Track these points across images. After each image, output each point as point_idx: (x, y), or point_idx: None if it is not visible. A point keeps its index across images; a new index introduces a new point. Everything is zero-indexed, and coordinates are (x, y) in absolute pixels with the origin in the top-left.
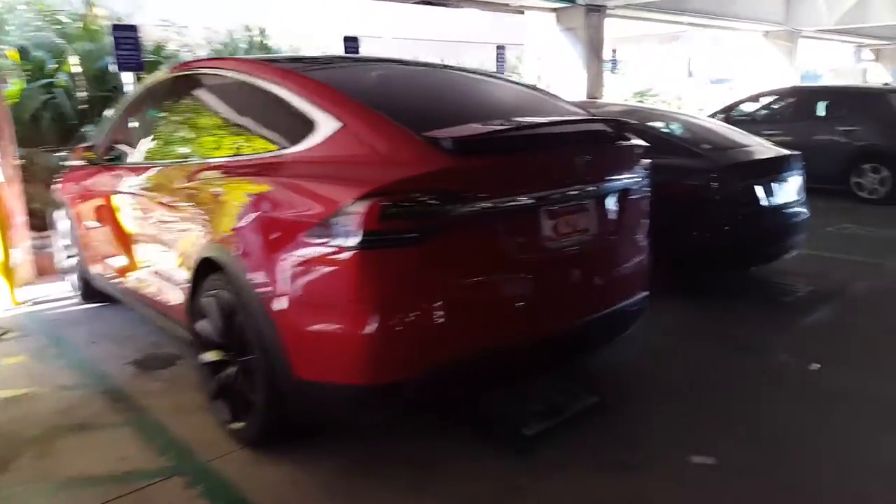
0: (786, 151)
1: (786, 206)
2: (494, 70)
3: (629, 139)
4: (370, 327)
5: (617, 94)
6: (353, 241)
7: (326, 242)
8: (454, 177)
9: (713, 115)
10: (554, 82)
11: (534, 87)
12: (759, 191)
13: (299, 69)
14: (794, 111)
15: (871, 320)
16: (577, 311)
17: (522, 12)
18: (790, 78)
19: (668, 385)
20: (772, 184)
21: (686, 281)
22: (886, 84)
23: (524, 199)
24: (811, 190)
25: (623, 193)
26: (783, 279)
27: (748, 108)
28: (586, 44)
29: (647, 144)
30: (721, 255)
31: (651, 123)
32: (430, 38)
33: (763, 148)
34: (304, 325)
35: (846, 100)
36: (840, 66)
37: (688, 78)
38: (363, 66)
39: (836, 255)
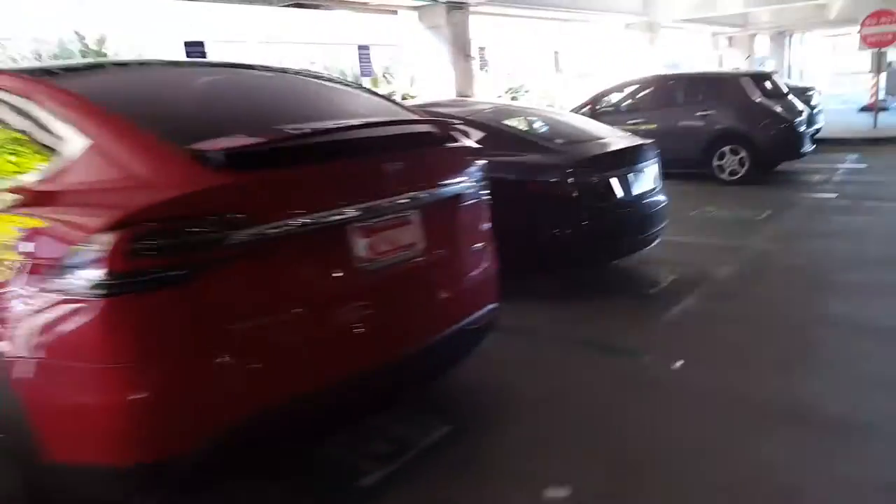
0: (640, 141)
1: (644, 195)
2: (359, 71)
3: (458, 140)
4: (124, 394)
5: (490, 92)
6: (97, 286)
7: (66, 290)
8: (227, 197)
9: (580, 109)
10: (425, 82)
11: (361, 88)
12: (616, 183)
13: (53, 78)
14: (656, 99)
15: (733, 308)
16: (410, 336)
17: (395, 12)
18: (653, 67)
19: (528, 402)
20: (628, 175)
21: (548, 281)
22: (737, 69)
23: (325, 217)
24: (678, 175)
25: (454, 200)
26: (647, 269)
27: (613, 98)
28: (451, 42)
29: (477, 146)
30: (582, 251)
31: (508, 121)
32: (301, 42)
33: (618, 139)
34: (51, 394)
35: (702, 85)
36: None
37: (556, 73)
38: (149, 73)
39: (699, 240)
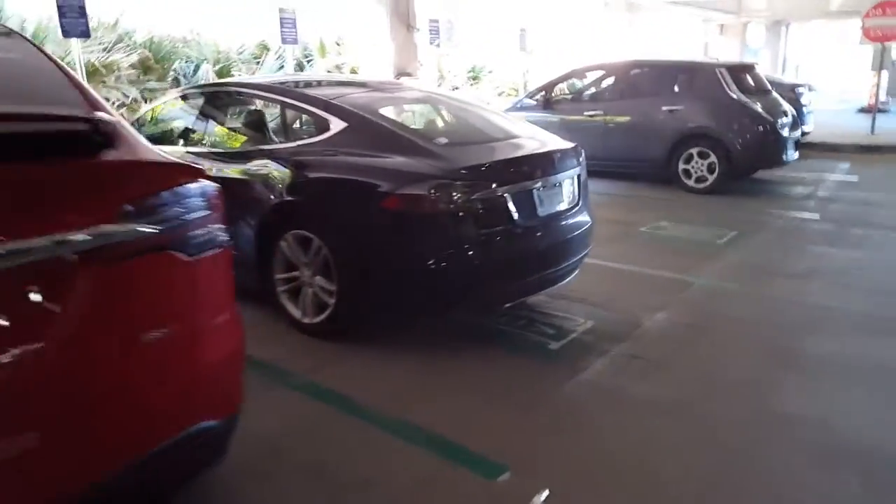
0: (556, 145)
1: (556, 217)
2: (281, 38)
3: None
4: None
5: (447, 70)
6: None
7: None
8: None
9: (533, 94)
10: (362, 55)
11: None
12: (513, 200)
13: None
14: (618, 88)
15: (655, 387)
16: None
17: None
18: (631, 51)
19: None
20: (533, 189)
21: (403, 325)
22: (715, 59)
23: None
24: (637, 178)
25: (124, 251)
26: (556, 309)
27: (572, 85)
28: (391, 11)
29: (186, 163)
30: (458, 292)
31: (383, 110)
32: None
33: (528, 141)
34: None
35: (670, 75)
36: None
37: (522, 53)
38: None
39: (638, 268)
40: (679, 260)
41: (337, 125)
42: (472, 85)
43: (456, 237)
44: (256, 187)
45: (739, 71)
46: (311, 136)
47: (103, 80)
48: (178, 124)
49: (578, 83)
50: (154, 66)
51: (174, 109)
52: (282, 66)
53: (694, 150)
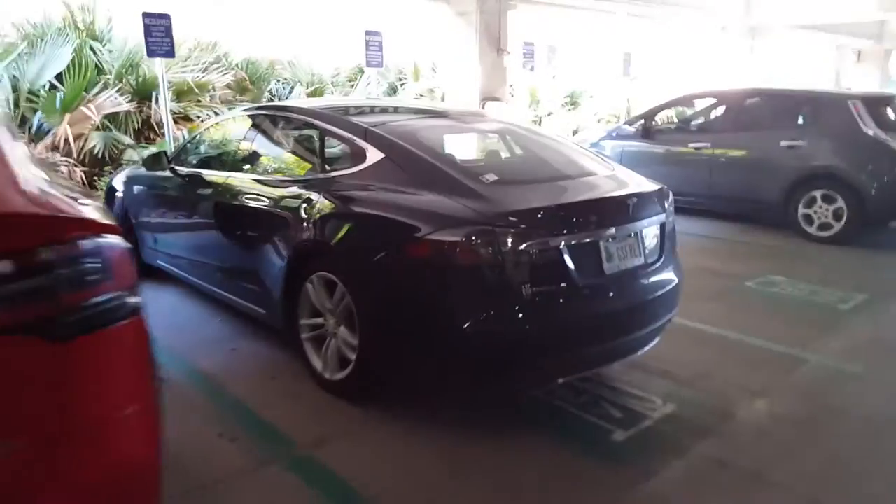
0: (638, 188)
1: (629, 275)
2: (365, 60)
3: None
4: None
5: (544, 95)
6: None
7: None
8: None
9: (633, 122)
10: (448, 79)
11: None
12: (572, 253)
13: None
14: (730, 118)
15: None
16: None
17: None
18: (751, 79)
19: None
20: (600, 241)
21: (439, 397)
22: (847, 89)
23: None
24: (749, 221)
25: None
26: (629, 384)
27: (677, 113)
28: (481, 33)
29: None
30: (498, 363)
31: (428, 140)
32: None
33: (605, 182)
34: None
35: (793, 106)
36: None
37: (625, 78)
38: None
39: (739, 335)
40: (791, 328)
41: (374, 155)
42: (569, 110)
43: (497, 295)
44: (287, 220)
45: (877, 104)
46: (346, 167)
47: (198, 100)
48: (222, 148)
49: (685, 112)
50: (249, 87)
51: (220, 133)
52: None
53: (817, 193)
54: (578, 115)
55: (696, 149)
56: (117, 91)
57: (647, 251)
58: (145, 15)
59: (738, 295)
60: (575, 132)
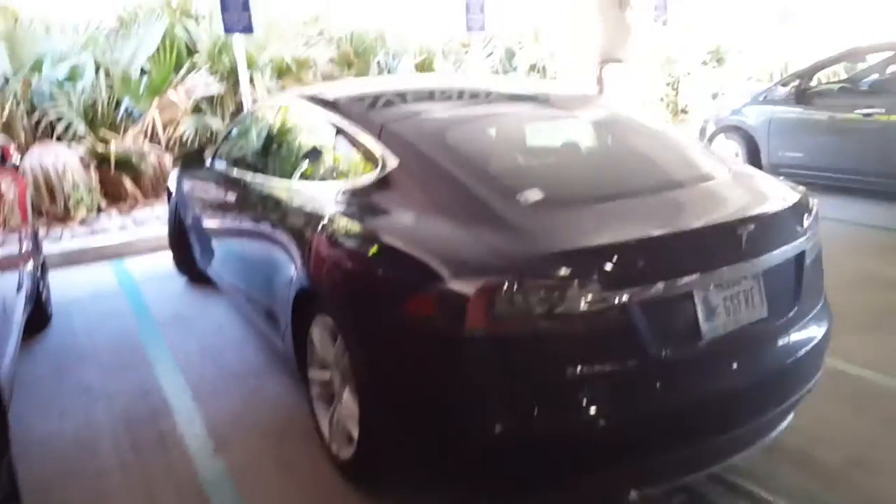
0: (762, 206)
1: (746, 336)
2: (466, 25)
3: None
4: None
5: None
6: None
7: None
8: None
9: (785, 83)
10: (560, 38)
11: None
12: (650, 313)
13: None
14: None
15: None
16: None
17: None
18: None
19: None
20: (698, 292)
21: None
22: None
23: None
24: None
25: None
26: (745, 476)
27: (844, 71)
28: None
29: None
30: (548, 476)
31: (465, 138)
32: None
33: (714, 196)
34: None
35: None
36: None
37: (781, 27)
38: None
39: None
40: None
41: (390, 162)
42: (714, 68)
43: (528, 381)
44: (291, 238)
45: None
46: (356, 177)
47: (299, 77)
48: (242, 144)
49: (855, 69)
50: (354, 60)
51: (243, 127)
52: (490, 54)
53: None
54: (724, 74)
55: (866, 115)
56: (211, 72)
57: (772, 298)
58: None
59: None
60: (714, 96)
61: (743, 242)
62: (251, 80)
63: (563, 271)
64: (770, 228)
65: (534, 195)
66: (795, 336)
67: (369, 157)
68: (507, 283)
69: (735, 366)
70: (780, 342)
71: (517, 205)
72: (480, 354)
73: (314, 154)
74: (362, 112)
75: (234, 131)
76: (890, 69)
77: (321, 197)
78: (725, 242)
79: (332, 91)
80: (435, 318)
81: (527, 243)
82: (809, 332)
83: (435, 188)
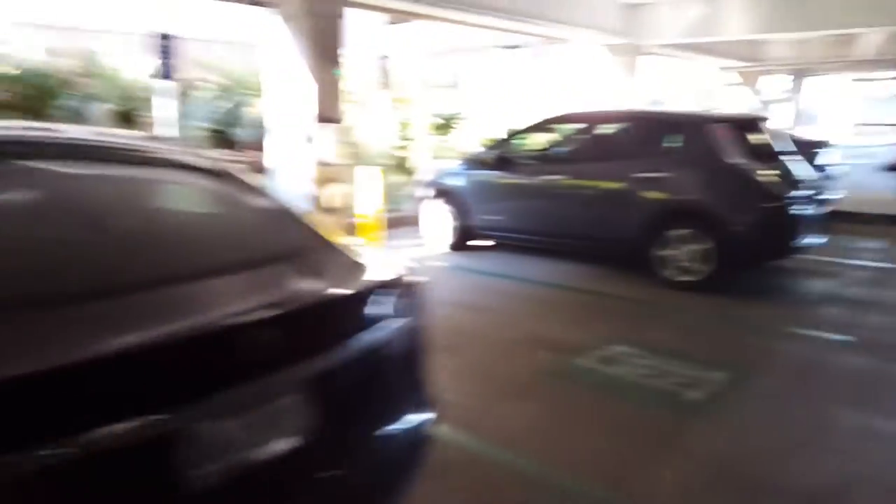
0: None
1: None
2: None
3: None
4: None
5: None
6: None
7: None
8: None
9: (488, 151)
10: (283, 95)
11: None
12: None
13: None
14: (586, 146)
15: None
16: None
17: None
18: (632, 102)
19: None
20: (182, 429)
21: None
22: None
23: None
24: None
25: None
26: None
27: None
28: (313, 40)
29: None
30: None
31: None
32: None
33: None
34: None
35: (649, 131)
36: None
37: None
38: None
39: (539, 466)
40: (612, 446)
41: None
42: (442, 134)
43: None
44: None
45: (741, 127)
46: None
47: None
48: None
49: (544, 138)
50: None
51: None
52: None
53: (674, 233)
54: (451, 139)
55: (550, 181)
56: None
57: (318, 420)
58: None
59: (558, 386)
60: (436, 158)
61: (264, 347)
62: None
63: None
64: (318, 319)
65: None
66: (362, 460)
67: None
68: None
69: None
70: (331, 474)
71: None
72: None
73: None
74: None
75: None
76: (566, 140)
77: None
78: (234, 350)
79: None
80: None
81: None
82: (388, 451)
83: None
